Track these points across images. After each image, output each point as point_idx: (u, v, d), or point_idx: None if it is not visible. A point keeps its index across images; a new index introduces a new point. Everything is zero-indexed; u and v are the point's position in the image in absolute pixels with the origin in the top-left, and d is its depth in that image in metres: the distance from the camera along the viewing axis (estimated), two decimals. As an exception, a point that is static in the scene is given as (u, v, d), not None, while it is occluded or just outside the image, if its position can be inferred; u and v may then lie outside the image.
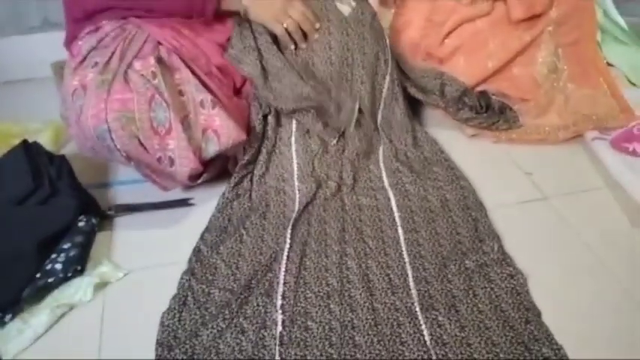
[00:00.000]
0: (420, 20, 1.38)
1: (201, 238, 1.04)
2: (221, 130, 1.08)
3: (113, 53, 1.07)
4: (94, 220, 1.04)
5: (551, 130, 1.31)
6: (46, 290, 0.92)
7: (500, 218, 1.08)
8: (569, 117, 1.31)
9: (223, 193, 1.14)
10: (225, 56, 1.19)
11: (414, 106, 1.40)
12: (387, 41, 1.28)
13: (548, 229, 1.07)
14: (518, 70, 1.33)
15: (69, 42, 1.17)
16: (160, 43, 1.11)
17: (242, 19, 1.20)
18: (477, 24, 1.35)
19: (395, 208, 1.11)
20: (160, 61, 1.08)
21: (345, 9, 1.20)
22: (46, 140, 1.29)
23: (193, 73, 1.10)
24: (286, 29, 1.17)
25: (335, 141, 1.20)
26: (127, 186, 1.20)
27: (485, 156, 1.28)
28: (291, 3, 1.15)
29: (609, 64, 1.45)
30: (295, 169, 1.17)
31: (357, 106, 1.21)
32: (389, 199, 1.13)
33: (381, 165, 1.22)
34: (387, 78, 1.27)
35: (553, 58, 1.33)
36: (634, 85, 1.45)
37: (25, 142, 1.12)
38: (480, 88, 1.34)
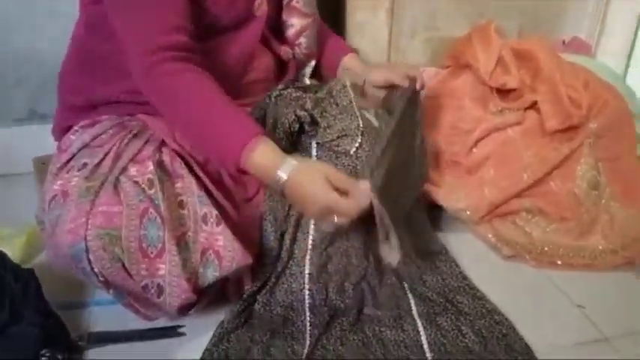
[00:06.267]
0: (444, 127, 1.27)
1: (192, 383, 0.85)
2: (224, 252, 0.90)
3: (107, 154, 0.92)
4: (59, 356, 0.84)
5: (597, 254, 1.15)
6: None
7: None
8: (617, 240, 1.17)
9: (222, 322, 0.95)
10: None
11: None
12: None
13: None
14: (557, 185, 1.20)
15: (60, 131, 1.02)
16: (164, 144, 0.96)
17: None
18: (508, 133, 1.24)
19: (426, 347, 0.93)
20: (160, 165, 0.92)
21: (373, 120, 1.08)
22: (17, 248, 1.12)
23: (199, 180, 0.95)
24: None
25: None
26: (106, 307, 1.01)
27: (525, 283, 1.11)
28: (337, 204, 0.85)
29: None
30: (307, 296, 0.99)
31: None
32: (418, 333, 0.95)
33: (407, 289, 1.05)
34: None
35: (594, 172, 1.21)
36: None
37: (-13, 254, 0.94)
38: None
